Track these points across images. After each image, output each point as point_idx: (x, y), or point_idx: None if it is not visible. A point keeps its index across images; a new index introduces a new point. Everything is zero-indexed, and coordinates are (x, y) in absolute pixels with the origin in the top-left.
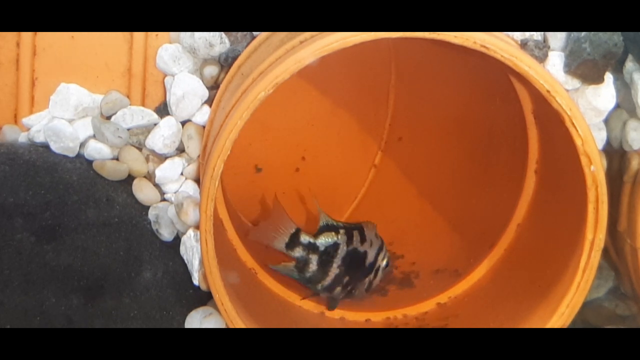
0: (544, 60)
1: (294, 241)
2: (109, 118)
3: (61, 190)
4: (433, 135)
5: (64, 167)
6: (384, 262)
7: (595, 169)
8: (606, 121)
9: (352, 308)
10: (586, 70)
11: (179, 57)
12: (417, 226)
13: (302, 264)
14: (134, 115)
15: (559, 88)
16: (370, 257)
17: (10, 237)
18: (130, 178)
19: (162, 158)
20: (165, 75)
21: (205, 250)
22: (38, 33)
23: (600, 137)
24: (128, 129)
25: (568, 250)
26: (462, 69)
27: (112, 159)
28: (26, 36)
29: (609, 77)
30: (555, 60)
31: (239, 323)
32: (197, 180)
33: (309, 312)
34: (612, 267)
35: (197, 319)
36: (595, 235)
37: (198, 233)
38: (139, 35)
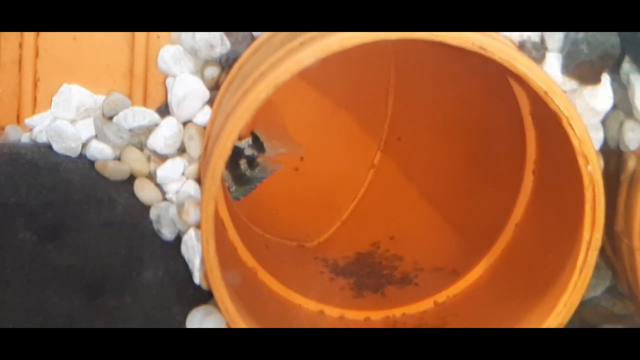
0: (541, 62)
1: None
2: (110, 118)
3: (63, 190)
4: (432, 136)
5: (66, 167)
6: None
7: (593, 170)
8: (603, 122)
9: (351, 307)
10: (583, 71)
11: (180, 58)
12: (416, 226)
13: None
14: (136, 116)
15: (556, 89)
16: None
17: (12, 237)
18: (131, 178)
19: (164, 158)
20: (166, 76)
21: (206, 249)
22: (40, 34)
23: (597, 138)
24: (130, 130)
25: (565, 250)
26: (461, 69)
27: (114, 159)
28: (28, 37)
29: (606, 78)
30: (553, 62)
31: (239, 322)
32: (198, 180)
33: (308, 311)
34: (609, 267)
35: (198, 318)
36: (592, 235)
37: (199, 232)
38: (140, 36)
